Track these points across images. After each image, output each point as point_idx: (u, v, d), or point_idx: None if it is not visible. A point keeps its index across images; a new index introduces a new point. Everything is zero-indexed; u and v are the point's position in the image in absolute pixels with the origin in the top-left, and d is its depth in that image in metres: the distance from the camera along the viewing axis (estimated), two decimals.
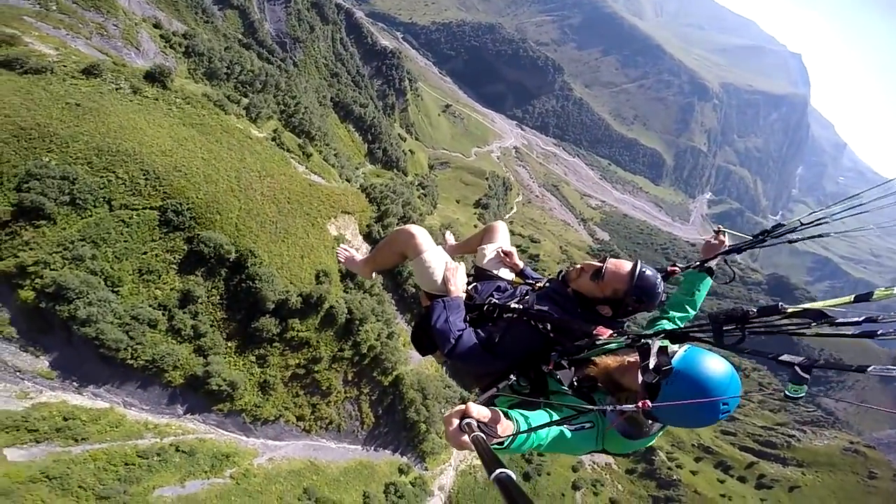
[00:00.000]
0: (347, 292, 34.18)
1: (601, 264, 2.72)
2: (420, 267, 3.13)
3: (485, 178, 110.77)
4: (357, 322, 32.97)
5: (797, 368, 1.71)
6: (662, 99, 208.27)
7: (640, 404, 1.91)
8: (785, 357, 1.79)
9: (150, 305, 25.29)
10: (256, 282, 27.52)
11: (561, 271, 3.00)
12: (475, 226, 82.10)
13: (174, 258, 26.39)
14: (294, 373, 30.69)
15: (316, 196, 35.31)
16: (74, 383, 24.28)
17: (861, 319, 1.78)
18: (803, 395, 1.72)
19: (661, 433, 2.35)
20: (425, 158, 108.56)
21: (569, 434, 2.10)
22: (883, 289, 1.85)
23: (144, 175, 26.44)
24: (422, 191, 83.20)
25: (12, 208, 22.61)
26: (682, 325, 2.73)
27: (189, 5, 68.29)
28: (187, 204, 26.92)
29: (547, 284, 3.08)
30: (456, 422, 1.63)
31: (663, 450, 63.41)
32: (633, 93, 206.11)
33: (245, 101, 41.42)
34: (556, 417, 2.10)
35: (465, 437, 1.56)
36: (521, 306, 2.85)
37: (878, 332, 1.70)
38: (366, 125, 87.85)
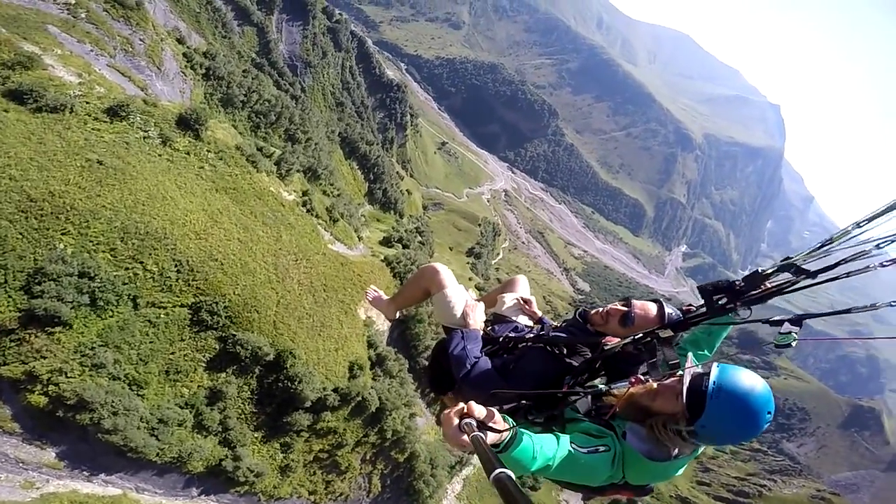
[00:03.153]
0: (376, 380, 33.84)
1: (627, 308, 2.77)
2: (442, 301, 3.28)
3: (477, 224, 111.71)
4: (387, 412, 33.13)
5: (788, 323, 1.83)
6: (648, 148, 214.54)
7: (632, 379, 2.08)
8: (776, 317, 1.89)
9: (176, 405, 23.18)
10: (295, 382, 26.26)
11: (578, 309, 3.08)
12: (469, 279, 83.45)
13: (204, 357, 24.09)
14: (316, 456, 29.99)
15: (348, 277, 33.90)
16: (85, 472, 21.99)
17: (835, 263, 1.83)
18: (792, 342, 1.81)
19: (691, 458, 2.29)
20: (420, 199, 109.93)
21: (581, 457, 2.04)
22: (839, 232, 1.88)
23: (177, 266, 23.29)
24: (419, 237, 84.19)
25: (20, 314, 18.97)
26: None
27: (210, 19, 67.92)
28: (224, 302, 24.30)
29: (563, 324, 3.18)
30: (456, 421, 1.63)
31: (643, 500, 65.46)
32: (620, 141, 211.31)
33: (275, 151, 39.30)
34: (565, 440, 2.05)
35: (465, 437, 1.56)
36: (535, 335, 2.98)
37: (850, 272, 1.79)
38: (369, 164, 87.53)
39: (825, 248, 1.92)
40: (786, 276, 2.01)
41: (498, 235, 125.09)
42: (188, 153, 28.90)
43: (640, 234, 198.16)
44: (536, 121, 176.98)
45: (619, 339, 2.57)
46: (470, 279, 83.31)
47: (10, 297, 19.08)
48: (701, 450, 2.32)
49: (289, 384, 26.14)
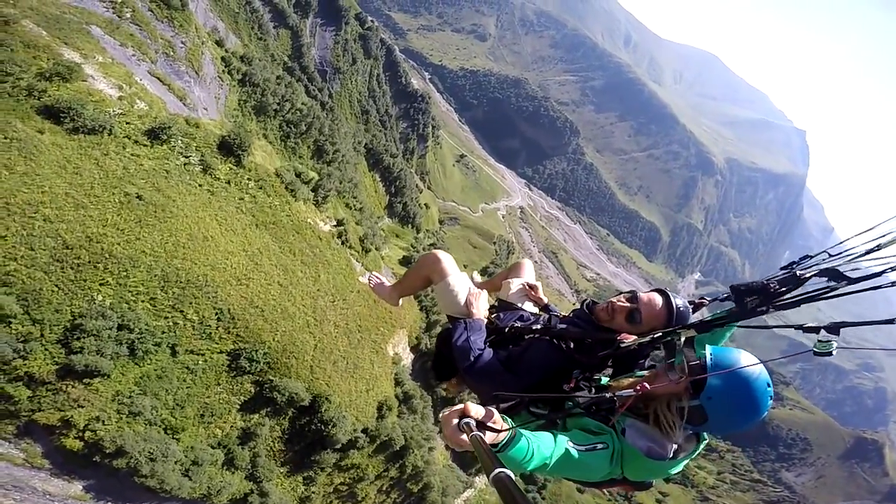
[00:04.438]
0: (401, 417, 34.01)
1: (633, 305, 2.64)
2: (444, 290, 3.21)
3: (492, 241, 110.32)
4: (411, 450, 33.43)
5: (824, 331, 1.74)
6: (668, 171, 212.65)
7: (638, 388, 2.00)
8: (810, 324, 1.82)
9: (209, 444, 22.92)
10: (329, 426, 26.48)
11: (585, 300, 2.98)
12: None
13: (239, 399, 23.86)
14: (336, 488, 29.94)
15: (380, 316, 33.47)
16: (110, 502, 21.95)
17: (881, 271, 1.73)
18: (831, 350, 1.70)
19: (691, 457, 2.28)
20: (437, 212, 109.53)
21: (579, 455, 2.04)
22: (889, 240, 1.78)
23: (217, 315, 22.61)
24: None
25: (57, 366, 18.17)
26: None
27: (248, 19, 68.26)
28: (263, 349, 23.91)
29: (571, 315, 3.06)
30: (455, 421, 1.62)
31: None
32: (641, 162, 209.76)
33: (312, 176, 38.01)
34: (563, 439, 2.03)
35: (464, 437, 1.56)
36: (543, 326, 2.88)
37: (894, 282, 1.70)
38: (392, 176, 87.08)
39: (871, 255, 1.82)
40: (822, 282, 1.90)
41: (512, 254, 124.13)
42: (229, 182, 28.13)
43: (654, 259, 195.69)
44: (557, 138, 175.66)
45: (635, 338, 2.51)
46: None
47: (46, 350, 18.30)
48: (701, 447, 2.29)
49: (322, 427, 26.26)
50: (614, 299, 2.75)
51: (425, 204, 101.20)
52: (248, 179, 29.57)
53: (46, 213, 18.95)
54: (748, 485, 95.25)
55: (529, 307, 3.53)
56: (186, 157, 26.03)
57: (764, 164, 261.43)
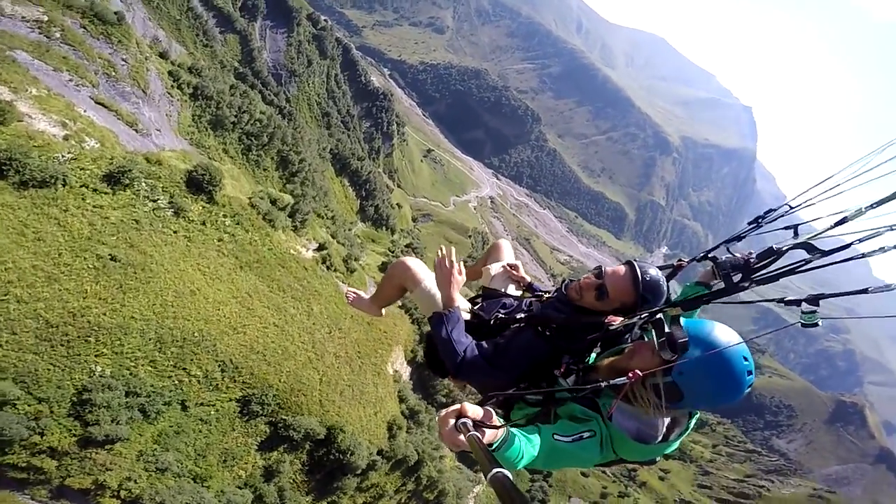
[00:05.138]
0: (410, 432, 34.37)
1: (600, 280, 2.56)
2: (421, 296, 3.15)
3: (468, 235, 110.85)
4: (424, 463, 34.25)
5: (805, 304, 1.74)
6: (628, 152, 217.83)
7: (630, 374, 1.91)
8: (791, 297, 1.82)
9: (236, 486, 23.06)
10: (347, 454, 26.93)
11: (564, 281, 2.90)
12: (465, 296, 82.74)
13: (255, 440, 24.05)
14: None
15: (376, 338, 33.31)
16: None
17: (849, 243, 1.83)
18: (817, 321, 1.71)
19: (684, 434, 2.23)
20: (409, 210, 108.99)
21: (566, 446, 2.02)
22: (853, 210, 1.88)
23: (220, 367, 22.62)
24: (413, 255, 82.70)
25: (75, 438, 18.31)
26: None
27: (191, 26, 64.87)
28: (271, 392, 24.16)
29: (553, 295, 2.97)
30: (452, 421, 1.62)
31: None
32: (601, 145, 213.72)
33: (288, 202, 36.33)
34: (547, 433, 2.02)
35: (461, 437, 1.56)
36: (526, 314, 2.84)
37: (864, 253, 1.77)
38: (361, 180, 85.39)
39: (839, 227, 1.91)
40: (800, 254, 1.97)
41: (486, 244, 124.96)
42: (204, 223, 26.68)
43: (623, 237, 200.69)
44: (520, 126, 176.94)
45: (622, 319, 2.47)
46: (465, 296, 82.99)
47: (60, 424, 18.15)
48: (692, 426, 2.25)
49: (340, 456, 26.75)
50: (583, 277, 2.70)
51: (397, 204, 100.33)
52: (224, 216, 28.21)
53: (18, 294, 17.69)
54: (744, 455, 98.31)
55: (513, 290, 3.49)
56: (154, 200, 24.31)
57: (716, 140, 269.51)
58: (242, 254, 27.91)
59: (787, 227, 2.16)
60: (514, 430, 1.82)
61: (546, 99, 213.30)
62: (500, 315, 2.98)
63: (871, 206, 1.82)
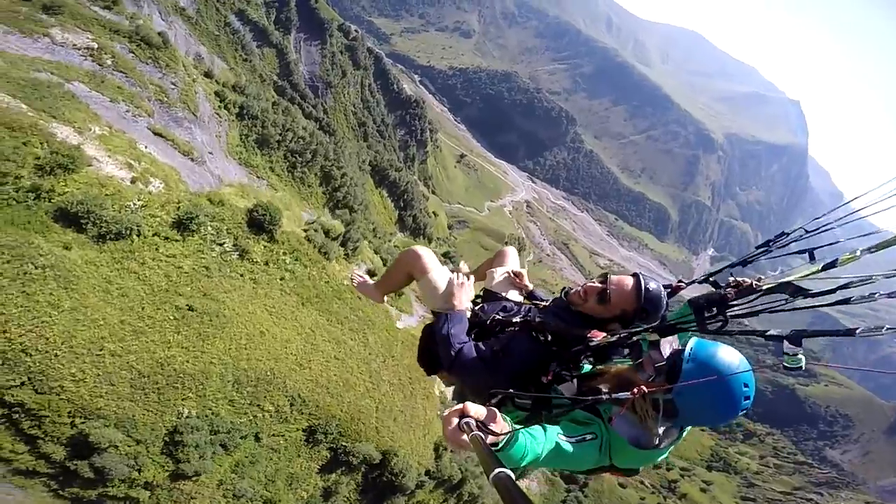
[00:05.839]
0: (453, 451, 34.24)
1: (603, 286, 2.65)
2: (425, 286, 3.11)
3: (504, 242, 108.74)
4: (467, 481, 34.70)
5: (786, 341, 1.70)
6: (669, 151, 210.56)
7: (635, 390, 1.93)
8: (772, 332, 1.74)
9: None
10: (399, 477, 28.22)
11: (564, 289, 2.93)
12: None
13: (317, 464, 26.07)
14: None
15: None
16: None
17: (835, 287, 1.74)
18: (800, 365, 1.66)
19: (675, 445, 2.22)
20: (445, 218, 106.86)
21: (569, 447, 2.02)
22: (847, 254, 1.86)
23: (290, 401, 24.92)
24: (450, 264, 79.89)
25: (167, 473, 20.40)
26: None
27: (230, 41, 65.79)
28: (334, 422, 26.30)
29: (551, 304, 3.06)
30: (455, 421, 1.60)
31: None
32: (641, 144, 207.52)
33: (339, 230, 36.31)
34: (553, 432, 2.01)
35: (464, 436, 1.54)
36: (522, 319, 2.85)
37: (851, 298, 1.68)
38: (399, 190, 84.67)
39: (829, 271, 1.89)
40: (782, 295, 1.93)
41: (523, 250, 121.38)
42: (266, 263, 27.65)
43: (666, 239, 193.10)
44: (554, 128, 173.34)
45: (604, 336, 2.49)
46: None
47: (155, 462, 20.28)
48: (685, 434, 2.24)
49: (392, 478, 28.07)
50: (587, 282, 2.76)
51: (433, 212, 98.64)
52: (284, 254, 28.98)
53: (111, 349, 19.46)
54: (793, 467, 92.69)
55: (514, 295, 3.49)
56: (220, 244, 25.22)
57: (764, 136, 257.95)
58: (303, 290, 29.08)
59: (800, 252, 2.05)
60: (519, 430, 1.81)
61: (580, 99, 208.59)
62: (499, 317, 2.98)
63: (869, 251, 1.80)
